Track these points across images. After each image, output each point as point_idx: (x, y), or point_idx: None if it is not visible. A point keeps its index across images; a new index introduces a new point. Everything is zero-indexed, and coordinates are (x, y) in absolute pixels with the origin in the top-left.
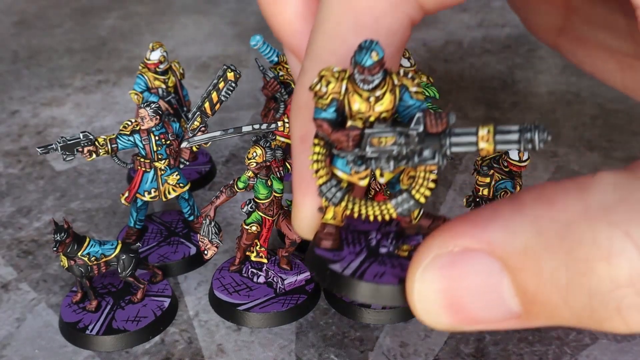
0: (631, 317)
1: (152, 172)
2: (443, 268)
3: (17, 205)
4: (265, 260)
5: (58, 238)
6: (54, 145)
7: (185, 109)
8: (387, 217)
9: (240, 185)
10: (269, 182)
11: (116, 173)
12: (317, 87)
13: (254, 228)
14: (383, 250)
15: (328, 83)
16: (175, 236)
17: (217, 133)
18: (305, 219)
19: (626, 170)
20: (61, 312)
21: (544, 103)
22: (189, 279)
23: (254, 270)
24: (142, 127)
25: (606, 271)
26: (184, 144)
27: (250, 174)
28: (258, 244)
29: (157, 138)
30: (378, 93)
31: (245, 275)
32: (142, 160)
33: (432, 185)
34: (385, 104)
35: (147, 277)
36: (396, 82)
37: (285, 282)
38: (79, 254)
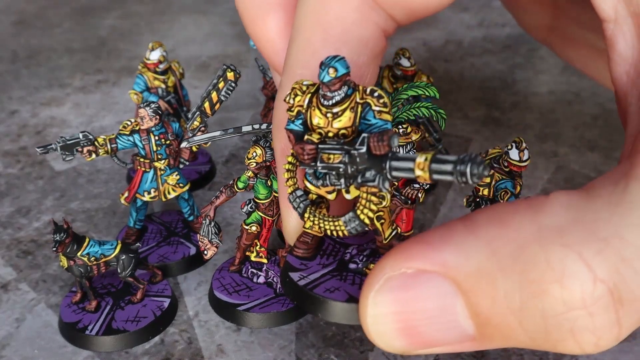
0: (584, 338)
1: (151, 172)
2: (396, 291)
3: (16, 206)
4: (265, 261)
5: (57, 238)
6: (53, 145)
7: (185, 108)
8: (340, 234)
9: (240, 185)
10: (269, 182)
11: (116, 173)
12: (287, 99)
13: (253, 228)
14: (352, 266)
15: (295, 96)
16: (175, 236)
17: (217, 133)
18: (293, 228)
19: (580, 191)
20: (61, 312)
21: (544, 103)
22: (188, 279)
23: (254, 271)
24: (142, 127)
25: (559, 293)
26: (183, 144)
27: (250, 174)
28: (258, 244)
29: (156, 138)
30: (336, 110)
31: (245, 275)
32: (141, 160)
33: (373, 207)
34: (343, 121)
35: (147, 277)
36: (358, 99)
37: None
38: (79, 254)
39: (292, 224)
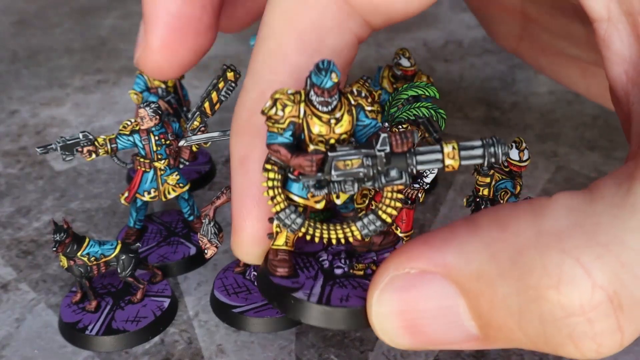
0: (584, 345)
1: (151, 172)
2: (399, 290)
3: (16, 206)
4: None
5: (57, 238)
6: (53, 145)
7: (185, 109)
8: (351, 240)
9: None
10: None
11: (116, 173)
12: (272, 111)
13: None
14: (338, 271)
15: (284, 106)
16: (175, 236)
17: (216, 134)
18: (246, 243)
19: (584, 192)
20: (61, 312)
21: (544, 103)
22: (188, 279)
23: (256, 274)
24: (142, 127)
25: (556, 299)
26: (181, 142)
27: None
28: None
29: (156, 138)
30: (338, 114)
31: (248, 277)
32: (141, 160)
33: (399, 204)
34: (344, 126)
35: (147, 277)
36: (352, 102)
37: None
38: (79, 254)
39: (248, 240)
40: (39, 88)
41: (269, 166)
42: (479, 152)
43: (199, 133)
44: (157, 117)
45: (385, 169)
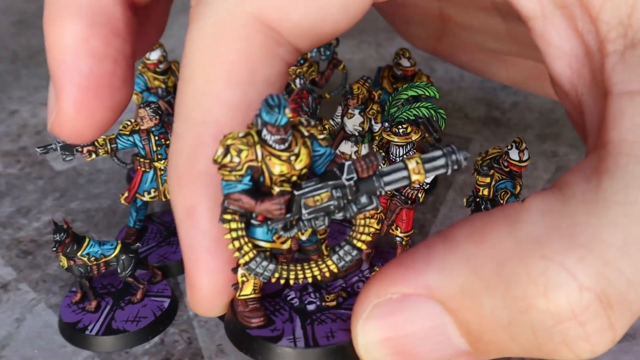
0: (579, 347)
1: (151, 172)
2: (383, 317)
3: (16, 206)
4: None
5: (57, 238)
6: (53, 145)
7: None
8: (327, 275)
9: None
10: None
11: (116, 173)
12: (227, 159)
13: None
14: (311, 307)
15: (239, 151)
16: (175, 236)
17: None
18: (206, 299)
19: (554, 192)
20: (61, 312)
21: (544, 103)
22: None
23: None
24: (142, 127)
25: (546, 307)
26: None
27: None
28: None
29: (156, 138)
30: (296, 150)
31: None
32: (141, 160)
33: (372, 229)
34: (304, 160)
35: (147, 278)
36: (305, 133)
37: None
38: (79, 254)
39: (207, 295)
40: (39, 88)
41: (228, 216)
42: (442, 161)
43: None
44: (157, 117)
45: (355, 196)
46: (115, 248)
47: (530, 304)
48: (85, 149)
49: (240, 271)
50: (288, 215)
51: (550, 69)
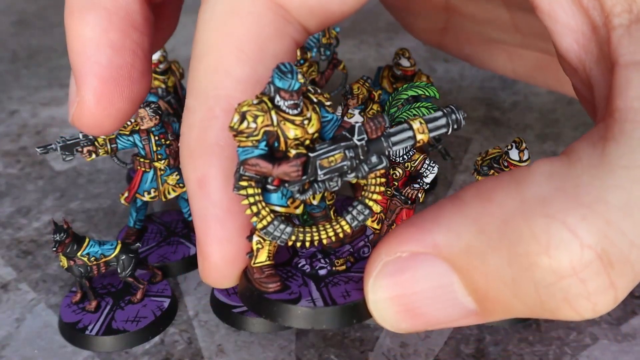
0: (580, 305)
1: (151, 172)
2: (393, 275)
3: (16, 206)
4: None
5: (57, 238)
6: (53, 145)
7: None
8: (341, 235)
9: None
10: None
11: (116, 173)
12: (243, 125)
13: None
14: (322, 272)
15: (256, 117)
16: (175, 236)
17: None
18: (219, 268)
19: (561, 156)
20: (61, 312)
21: (544, 103)
22: (188, 279)
23: None
24: (142, 127)
25: (548, 264)
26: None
27: None
28: None
29: (156, 138)
30: (308, 115)
31: None
32: (141, 160)
33: (382, 188)
34: (315, 125)
35: (147, 278)
36: (314, 99)
37: None
38: (79, 254)
39: (219, 264)
40: (39, 88)
41: (244, 183)
42: (443, 121)
43: None
44: (157, 117)
45: (366, 157)
46: (115, 248)
47: (533, 261)
48: (85, 149)
49: (255, 238)
50: (304, 177)
51: (558, 45)
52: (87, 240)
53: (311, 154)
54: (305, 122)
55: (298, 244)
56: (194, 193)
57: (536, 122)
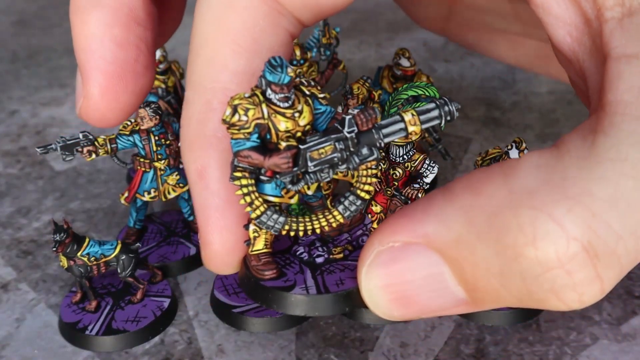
0: (567, 295)
1: (151, 172)
2: (385, 264)
3: (16, 205)
4: None
5: (57, 238)
6: (53, 145)
7: None
8: (334, 225)
9: None
10: None
11: (116, 173)
12: (235, 118)
13: None
14: (320, 259)
15: (247, 110)
16: (175, 236)
17: None
18: (220, 255)
19: (551, 148)
20: (61, 312)
21: (544, 103)
22: (188, 279)
23: None
24: (142, 127)
25: (534, 255)
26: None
27: None
28: None
29: (156, 138)
30: (299, 107)
31: None
32: (141, 160)
33: (374, 179)
34: (307, 117)
35: (147, 278)
36: (307, 92)
37: None
38: (79, 254)
39: (221, 252)
40: (39, 88)
41: (238, 174)
42: (435, 113)
43: None
44: (157, 117)
45: (357, 148)
46: (115, 248)
47: (520, 252)
48: (85, 149)
49: (252, 227)
50: (295, 169)
51: (552, 37)
52: (87, 240)
53: (301, 146)
54: (297, 114)
55: (292, 234)
56: (194, 183)
57: (536, 122)
